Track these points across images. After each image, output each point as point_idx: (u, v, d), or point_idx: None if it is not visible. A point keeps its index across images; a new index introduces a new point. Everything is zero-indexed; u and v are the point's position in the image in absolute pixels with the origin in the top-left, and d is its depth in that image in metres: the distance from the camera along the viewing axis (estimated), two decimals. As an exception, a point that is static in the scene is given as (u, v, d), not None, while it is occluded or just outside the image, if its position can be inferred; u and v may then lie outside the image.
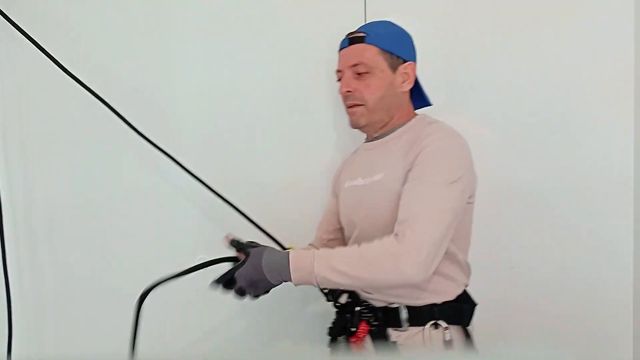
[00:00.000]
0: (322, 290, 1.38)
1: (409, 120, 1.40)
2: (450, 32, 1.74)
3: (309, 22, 1.73)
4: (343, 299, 1.38)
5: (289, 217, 1.69)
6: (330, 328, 1.39)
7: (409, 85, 1.39)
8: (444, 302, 1.29)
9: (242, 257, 1.32)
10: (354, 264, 1.18)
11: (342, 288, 1.29)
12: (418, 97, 1.45)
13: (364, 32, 1.38)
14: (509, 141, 1.76)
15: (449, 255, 1.27)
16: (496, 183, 1.75)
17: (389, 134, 1.39)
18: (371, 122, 1.39)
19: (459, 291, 1.33)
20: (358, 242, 1.31)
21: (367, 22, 1.44)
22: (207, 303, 1.73)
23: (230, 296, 1.34)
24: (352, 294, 1.38)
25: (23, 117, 1.66)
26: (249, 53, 1.71)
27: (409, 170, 1.26)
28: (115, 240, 1.70)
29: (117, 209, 1.70)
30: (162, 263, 1.70)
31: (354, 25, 1.70)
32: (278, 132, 1.74)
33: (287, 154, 1.74)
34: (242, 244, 1.35)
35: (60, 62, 1.55)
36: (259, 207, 1.68)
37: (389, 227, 1.25)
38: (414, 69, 1.39)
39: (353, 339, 1.33)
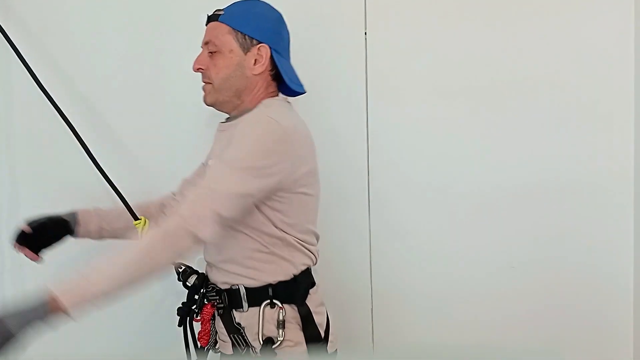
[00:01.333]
0: (176, 270, 1.41)
1: (256, 105, 1.34)
2: (451, 31, 1.74)
3: (309, 22, 1.72)
4: (191, 280, 1.39)
5: None
6: (179, 308, 1.41)
7: (261, 68, 1.32)
8: (279, 282, 1.30)
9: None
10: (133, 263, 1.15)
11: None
12: (288, 84, 1.36)
13: (222, 11, 1.34)
14: (509, 141, 1.75)
15: (279, 239, 1.29)
16: (496, 183, 1.75)
17: (237, 117, 1.34)
18: (218, 102, 1.35)
19: (296, 271, 1.32)
20: None
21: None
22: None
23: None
24: (200, 275, 1.40)
25: (15, 116, 1.66)
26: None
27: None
28: (116, 241, 1.69)
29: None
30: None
31: (354, 25, 1.71)
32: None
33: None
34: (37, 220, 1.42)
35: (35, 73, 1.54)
36: None
37: None
38: (267, 51, 1.31)
39: (197, 320, 1.37)
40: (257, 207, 1.26)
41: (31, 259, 1.41)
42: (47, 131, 1.67)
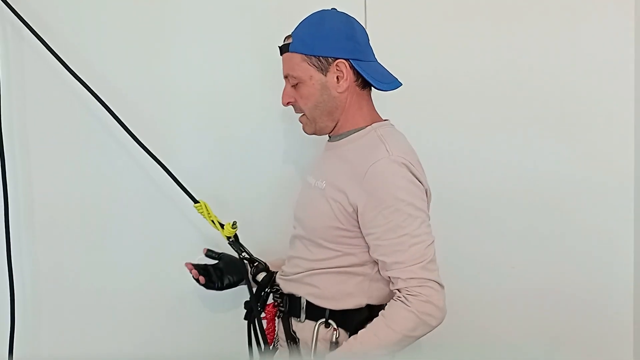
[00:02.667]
0: (241, 259, 1.46)
1: (363, 126, 1.32)
2: (451, 31, 1.74)
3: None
4: (260, 276, 1.44)
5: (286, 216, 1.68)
6: (246, 302, 1.45)
7: (345, 84, 1.29)
8: (336, 310, 1.31)
9: (202, 280, 1.47)
10: (396, 341, 1.20)
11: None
12: (378, 87, 1.34)
13: (291, 37, 1.33)
14: (509, 142, 1.76)
15: (364, 273, 1.30)
16: (496, 183, 1.75)
17: (341, 138, 1.34)
18: (318, 130, 1.36)
19: (356, 306, 1.31)
20: (294, 237, 1.40)
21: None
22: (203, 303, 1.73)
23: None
24: (269, 274, 1.44)
25: (27, 118, 1.65)
26: (249, 54, 1.71)
27: (362, 209, 1.24)
28: (115, 241, 1.70)
29: (116, 210, 1.69)
30: (161, 263, 1.71)
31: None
32: (275, 133, 1.73)
33: (290, 149, 1.74)
34: (217, 253, 1.52)
35: (62, 59, 1.55)
36: (255, 205, 1.69)
37: (313, 236, 1.31)
38: (346, 66, 1.29)
39: (264, 318, 1.41)
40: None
41: (196, 280, 1.48)
42: (59, 135, 1.68)
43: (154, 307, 1.71)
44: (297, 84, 1.31)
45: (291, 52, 1.30)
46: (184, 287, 1.70)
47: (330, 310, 1.31)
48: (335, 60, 1.29)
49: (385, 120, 1.37)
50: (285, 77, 1.34)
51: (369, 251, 1.27)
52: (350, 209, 1.25)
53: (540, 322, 1.76)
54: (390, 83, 1.34)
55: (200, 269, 1.49)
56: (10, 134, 1.63)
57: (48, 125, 1.66)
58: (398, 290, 1.21)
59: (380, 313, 1.23)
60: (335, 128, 1.35)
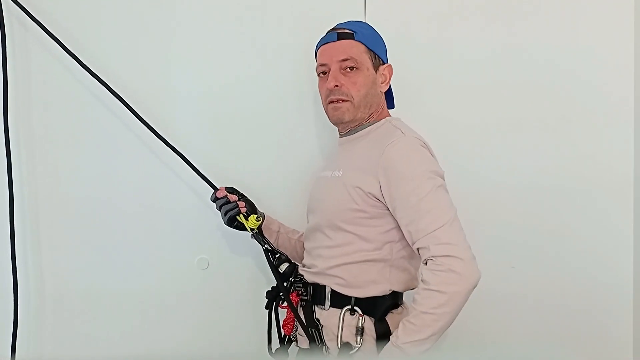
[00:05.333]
0: (264, 251, 1.47)
1: (378, 120, 1.43)
2: (451, 30, 1.74)
3: (309, 21, 1.72)
4: (283, 267, 1.45)
5: (287, 214, 1.68)
6: (268, 291, 1.48)
7: (386, 87, 1.44)
8: (362, 298, 1.36)
9: (234, 198, 1.50)
10: (433, 321, 1.22)
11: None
12: (388, 99, 1.50)
13: (350, 29, 1.41)
14: (509, 142, 1.76)
15: (385, 259, 1.35)
16: (496, 183, 1.75)
17: (358, 131, 1.43)
18: (354, 119, 1.41)
19: (381, 293, 1.36)
20: (311, 228, 1.46)
21: (347, 21, 1.46)
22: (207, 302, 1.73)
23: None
24: (292, 265, 1.46)
25: (33, 115, 1.65)
26: (248, 52, 1.71)
27: (383, 185, 1.30)
28: (120, 241, 1.69)
29: (121, 210, 1.69)
30: (165, 264, 1.71)
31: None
32: (275, 129, 1.73)
33: (282, 150, 1.74)
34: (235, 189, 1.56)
35: (73, 52, 1.56)
36: (271, 198, 1.69)
37: (331, 219, 1.37)
38: (391, 71, 1.44)
39: (283, 306, 1.45)
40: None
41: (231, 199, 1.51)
42: (65, 134, 1.68)
43: (158, 307, 1.71)
44: (352, 70, 1.39)
45: (356, 40, 1.39)
46: (187, 287, 1.71)
47: (356, 298, 1.35)
48: (384, 64, 1.43)
49: (397, 117, 1.47)
50: (344, 60, 1.39)
51: (392, 231, 1.34)
52: (369, 190, 1.31)
53: (540, 322, 1.76)
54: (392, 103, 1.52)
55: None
56: (16, 132, 1.63)
57: (54, 123, 1.66)
58: (425, 263, 1.25)
59: (412, 300, 1.26)
60: (359, 123, 1.43)
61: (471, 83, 1.74)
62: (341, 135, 1.49)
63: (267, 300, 1.48)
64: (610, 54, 1.75)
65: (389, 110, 1.48)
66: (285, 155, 1.74)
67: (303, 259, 1.51)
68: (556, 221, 1.76)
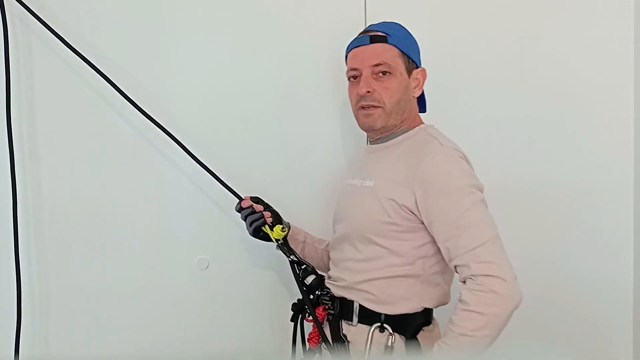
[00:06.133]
0: (290, 262, 1.45)
1: (413, 127, 1.37)
2: (450, 31, 1.74)
3: (309, 22, 1.72)
4: (309, 279, 1.42)
5: (290, 214, 1.68)
6: (294, 304, 1.45)
7: (419, 91, 1.38)
8: (392, 315, 1.30)
9: (259, 209, 1.47)
10: (471, 343, 1.17)
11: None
12: (420, 103, 1.44)
13: (383, 32, 1.34)
14: (509, 141, 1.76)
15: (416, 274, 1.30)
16: (496, 183, 1.74)
17: (390, 139, 1.37)
18: (386, 126, 1.35)
19: (413, 310, 1.31)
20: (338, 239, 1.41)
21: (379, 22, 1.41)
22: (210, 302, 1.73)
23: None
24: (319, 277, 1.42)
25: (36, 115, 1.65)
26: (249, 52, 1.71)
27: (419, 199, 1.25)
28: (124, 241, 1.69)
29: (123, 210, 1.68)
30: (169, 265, 1.71)
31: (354, 23, 1.70)
32: (277, 130, 1.73)
33: (286, 151, 1.74)
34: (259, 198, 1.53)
35: (77, 49, 1.55)
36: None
37: (361, 232, 1.32)
38: (424, 75, 1.38)
39: (308, 319, 1.41)
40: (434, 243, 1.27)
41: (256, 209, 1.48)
42: (66, 134, 1.67)
43: (158, 307, 1.71)
44: (385, 75, 1.33)
45: (390, 44, 1.33)
46: (187, 287, 1.71)
47: (386, 315, 1.29)
48: (417, 68, 1.37)
49: (430, 124, 1.41)
50: (375, 65, 1.33)
51: (424, 247, 1.29)
52: (404, 203, 1.26)
53: (539, 322, 1.76)
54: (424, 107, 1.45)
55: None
56: (19, 131, 1.63)
57: (56, 121, 1.66)
58: (464, 282, 1.20)
59: (449, 320, 1.21)
60: (392, 130, 1.37)
61: (471, 83, 1.74)
62: (371, 142, 1.43)
63: (292, 312, 1.44)
64: (611, 53, 1.75)
65: (420, 114, 1.43)
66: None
67: (330, 269, 1.45)
68: (556, 221, 1.76)
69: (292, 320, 1.45)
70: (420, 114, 1.44)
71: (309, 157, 1.74)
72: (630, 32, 1.74)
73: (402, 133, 1.36)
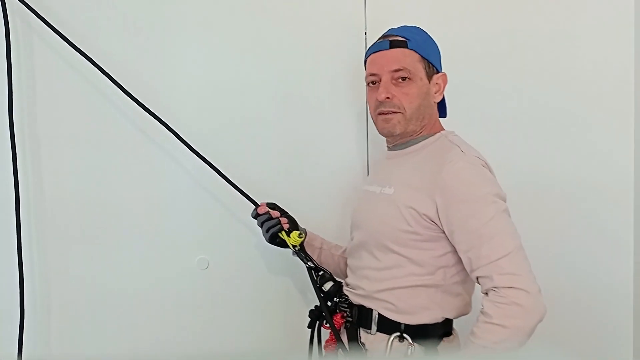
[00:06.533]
0: (307, 268, 1.43)
1: (433, 133, 1.35)
2: (450, 33, 1.74)
3: (309, 22, 1.72)
4: (327, 286, 1.40)
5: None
6: (311, 310, 1.44)
7: (439, 97, 1.35)
8: (412, 325, 1.28)
9: (276, 215, 1.46)
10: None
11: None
12: (440, 108, 1.41)
13: (403, 37, 1.32)
14: (509, 141, 1.76)
15: (436, 284, 1.27)
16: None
17: (410, 145, 1.35)
18: (406, 132, 1.33)
19: (433, 321, 1.29)
20: (356, 246, 1.38)
21: (400, 27, 1.37)
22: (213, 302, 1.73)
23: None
24: (337, 284, 1.41)
25: (38, 112, 1.64)
26: (250, 51, 1.70)
27: (440, 207, 1.22)
28: (127, 240, 1.69)
29: (123, 210, 1.68)
30: (164, 264, 1.71)
31: (354, 25, 1.71)
32: (279, 130, 1.73)
33: (288, 151, 1.73)
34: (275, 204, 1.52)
35: (81, 49, 1.55)
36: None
37: (380, 240, 1.30)
38: (445, 80, 1.35)
39: (326, 326, 1.39)
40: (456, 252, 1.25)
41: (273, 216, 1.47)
42: (68, 134, 1.67)
43: (157, 307, 1.71)
44: (404, 81, 1.30)
45: (410, 49, 1.31)
46: (187, 287, 1.71)
47: (406, 325, 1.27)
48: (438, 73, 1.34)
49: (451, 130, 1.39)
50: (395, 70, 1.30)
51: (445, 256, 1.26)
52: (424, 211, 1.23)
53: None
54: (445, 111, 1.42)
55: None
56: (21, 131, 1.63)
57: (59, 121, 1.65)
58: (486, 293, 1.18)
59: (470, 332, 1.19)
60: (411, 135, 1.35)
61: (471, 83, 1.74)
62: (390, 149, 1.41)
63: (309, 319, 1.43)
64: (610, 53, 1.75)
65: (440, 119, 1.39)
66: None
67: (347, 276, 1.43)
68: (556, 221, 1.76)
69: (309, 327, 1.43)
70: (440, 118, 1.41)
71: (313, 158, 1.74)
72: (630, 32, 1.74)
73: (422, 139, 1.34)
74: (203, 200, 1.69)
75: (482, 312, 1.17)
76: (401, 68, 1.30)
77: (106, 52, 1.61)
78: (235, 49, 1.70)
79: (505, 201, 1.24)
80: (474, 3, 1.74)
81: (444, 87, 1.35)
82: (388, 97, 1.30)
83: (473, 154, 1.27)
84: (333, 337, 1.36)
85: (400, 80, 1.30)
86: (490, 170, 1.28)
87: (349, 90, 1.72)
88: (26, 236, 1.63)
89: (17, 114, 1.60)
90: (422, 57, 1.32)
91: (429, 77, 1.33)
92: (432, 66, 1.33)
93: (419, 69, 1.31)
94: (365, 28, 1.71)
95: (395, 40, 1.32)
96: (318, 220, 1.64)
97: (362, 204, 1.42)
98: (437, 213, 1.22)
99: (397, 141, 1.37)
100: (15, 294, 1.60)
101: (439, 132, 1.36)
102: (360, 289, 1.34)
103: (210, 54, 1.70)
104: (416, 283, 1.27)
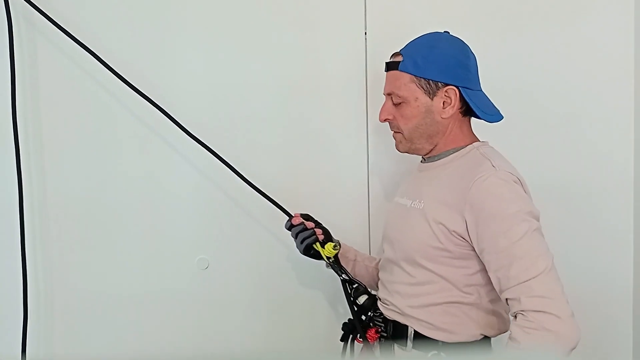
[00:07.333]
0: (342, 281, 1.41)
1: (463, 146, 1.31)
2: (450, 32, 1.74)
3: (309, 22, 1.72)
4: (362, 299, 1.38)
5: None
6: (345, 324, 1.42)
7: (451, 110, 1.28)
8: (451, 343, 1.25)
9: (310, 226, 1.44)
10: None
11: None
12: (482, 118, 1.32)
13: (401, 56, 1.30)
14: (509, 141, 1.74)
15: (470, 302, 1.25)
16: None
17: (441, 158, 1.32)
18: (412, 149, 1.34)
19: (473, 338, 1.26)
20: (387, 260, 1.37)
21: (409, 42, 1.34)
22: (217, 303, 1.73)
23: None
24: (371, 297, 1.38)
25: (42, 113, 1.64)
26: (251, 51, 1.70)
27: (470, 224, 1.19)
28: (130, 241, 1.68)
29: (124, 210, 1.68)
30: (164, 264, 1.71)
31: (354, 25, 1.70)
32: (279, 129, 1.73)
33: (288, 150, 1.73)
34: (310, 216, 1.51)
35: (85, 44, 1.55)
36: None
37: (410, 255, 1.27)
38: (456, 93, 1.27)
39: (359, 341, 1.37)
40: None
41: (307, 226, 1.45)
42: (72, 133, 1.67)
43: (157, 307, 1.71)
44: (400, 103, 1.29)
45: (400, 70, 1.28)
46: (187, 287, 1.71)
47: (443, 343, 1.24)
48: (445, 86, 1.27)
49: (484, 141, 1.35)
50: (388, 94, 1.32)
51: (478, 274, 1.23)
52: (454, 228, 1.20)
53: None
54: (494, 115, 1.32)
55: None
56: (24, 131, 1.62)
57: (62, 120, 1.65)
58: (515, 317, 1.14)
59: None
60: (433, 150, 1.33)
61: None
62: (423, 161, 1.38)
63: (342, 332, 1.41)
64: (610, 54, 1.75)
65: (490, 122, 1.32)
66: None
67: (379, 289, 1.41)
68: (556, 221, 1.75)
69: (342, 340, 1.42)
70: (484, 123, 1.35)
71: (313, 157, 1.73)
72: (630, 32, 1.74)
73: (453, 152, 1.31)
74: (203, 201, 1.69)
75: (510, 338, 1.13)
76: (390, 92, 1.31)
77: (109, 50, 1.60)
78: (236, 48, 1.70)
79: (538, 220, 1.20)
80: (473, 4, 1.74)
81: (455, 100, 1.27)
82: (387, 119, 1.33)
83: (505, 168, 1.23)
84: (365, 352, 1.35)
85: (395, 102, 1.31)
86: (524, 186, 1.24)
87: (349, 90, 1.72)
88: (29, 236, 1.62)
89: (20, 113, 1.60)
90: (416, 76, 1.27)
91: (431, 94, 1.27)
92: (434, 82, 1.27)
93: (411, 90, 1.27)
94: (365, 28, 1.71)
95: (391, 62, 1.32)
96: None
97: (393, 217, 1.40)
98: (467, 230, 1.19)
99: (430, 153, 1.35)
100: (18, 294, 1.59)
101: (470, 143, 1.32)
102: (392, 305, 1.32)
103: (212, 52, 1.69)
104: (450, 300, 1.24)
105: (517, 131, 1.75)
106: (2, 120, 1.59)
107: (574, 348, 1.09)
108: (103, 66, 1.54)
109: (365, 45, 1.71)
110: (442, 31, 1.36)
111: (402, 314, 1.29)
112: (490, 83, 1.73)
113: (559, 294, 1.11)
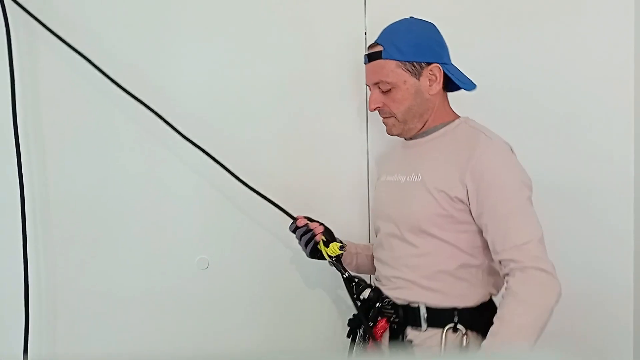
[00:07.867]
0: (344, 279, 1.42)
1: (450, 120, 1.39)
2: (450, 32, 1.74)
3: (309, 22, 1.72)
4: (366, 293, 1.39)
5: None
6: (351, 320, 1.43)
7: (438, 86, 1.36)
8: (465, 308, 1.31)
9: (314, 226, 1.46)
10: (527, 331, 1.21)
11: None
12: (463, 87, 1.41)
13: (380, 45, 1.35)
14: (509, 140, 1.74)
15: (477, 264, 1.32)
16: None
17: (428, 134, 1.38)
18: (405, 131, 1.39)
19: (483, 299, 1.33)
20: (385, 236, 1.40)
21: (381, 32, 1.41)
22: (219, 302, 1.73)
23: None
24: (375, 289, 1.40)
25: (42, 114, 1.65)
26: (251, 51, 1.71)
27: (471, 190, 1.28)
28: (132, 240, 1.69)
29: (125, 210, 1.68)
30: (164, 264, 1.71)
31: (354, 25, 1.71)
32: (279, 129, 1.73)
33: (288, 150, 1.73)
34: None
35: (82, 53, 1.55)
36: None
37: (417, 226, 1.32)
38: (440, 69, 1.35)
39: (371, 344, 1.36)
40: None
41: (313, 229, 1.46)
42: (72, 133, 1.67)
43: (157, 307, 1.71)
44: (389, 90, 1.35)
45: (384, 59, 1.34)
46: (187, 287, 1.71)
47: (458, 311, 1.30)
48: (428, 65, 1.34)
49: (465, 116, 1.42)
50: (376, 84, 1.36)
51: (479, 235, 1.31)
52: (455, 194, 1.28)
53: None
54: (469, 83, 1.41)
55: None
56: (25, 132, 1.62)
57: (62, 122, 1.65)
58: (508, 274, 1.24)
59: (497, 315, 1.23)
60: (422, 128, 1.39)
61: (471, 83, 1.74)
62: (408, 138, 1.43)
63: (349, 328, 1.43)
64: (611, 54, 1.75)
65: (469, 90, 1.41)
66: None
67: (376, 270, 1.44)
68: (556, 221, 1.75)
69: (348, 336, 1.43)
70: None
71: (313, 157, 1.74)
72: (630, 32, 1.74)
73: (442, 127, 1.38)
74: (204, 201, 1.69)
75: (508, 291, 1.22)
76: (379, 81, 1.36)
77: (108, 51, 1.61)
78: (236, 48, 1.71)
79: (531, 189, 1.30)
80: (473, 5, 1.74)
81: (440, 76, 1.35)
82: (377, 108, 1.38)
83: (500, 140, 1.33)
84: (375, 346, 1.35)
85: (384, 89, 1.35)
86: (513, 152, 1.34)
87: (349, 90, 1.72)
88: (31, 236, 1.62)
89: (20, 113, 1.60)
90: (400, 61, 1.33)
91: (417, 75, 1.34)
92: (418, 63, 1.34)
93: (398, 74, 1.34)
94: (365, 28, 1.71)
95: (371, 53, 1.37)
96: (317, 218, 1.64)
97: (387, 194, 1.43)
98: (468, 196, 1.28)
99: (419, 131, 1.40)
100: (20, 294, 1.60)
101: (455, 118, 1.40)
102: (399, 280, 1.34)
103: (212, 51, 1.70)
104: (458, 264, 1.31)
105: (517, 131, 1.74)
106: (2, 120, 1.59)
107: (557, 302, 1.25)
108: (100, 73, 1.55)
109: (366, 45, 1.71)
110: (409, 17, 1.43)
111: (414, 285, 1.32)
112: (491, 83, 1.74)
113: (547, 254, 1.25)
